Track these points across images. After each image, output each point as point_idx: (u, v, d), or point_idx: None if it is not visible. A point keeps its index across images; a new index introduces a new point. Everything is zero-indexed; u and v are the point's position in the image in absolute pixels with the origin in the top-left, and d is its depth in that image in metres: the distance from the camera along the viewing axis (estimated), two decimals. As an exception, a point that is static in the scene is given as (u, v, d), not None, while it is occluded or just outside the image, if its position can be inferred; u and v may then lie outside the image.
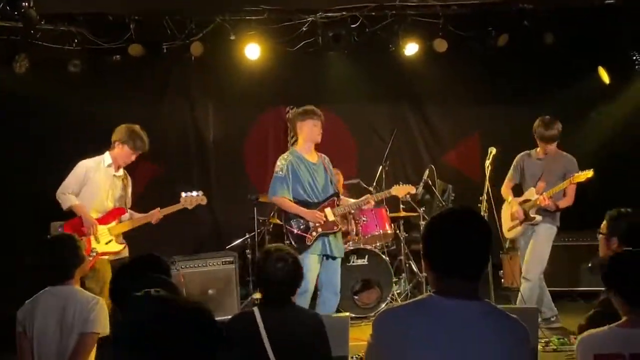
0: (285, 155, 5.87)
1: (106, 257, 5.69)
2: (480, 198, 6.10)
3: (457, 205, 2.48)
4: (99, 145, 6.03)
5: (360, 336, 5.42)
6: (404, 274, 7.53)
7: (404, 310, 2.22)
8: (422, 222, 7.42)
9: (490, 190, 6.10)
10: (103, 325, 3.57)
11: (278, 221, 6.79)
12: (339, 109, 8.61)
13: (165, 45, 7.21)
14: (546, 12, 7.25)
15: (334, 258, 5.81)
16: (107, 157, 5.85)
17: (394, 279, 7.17)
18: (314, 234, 5.67)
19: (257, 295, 6.80)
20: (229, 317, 3.58)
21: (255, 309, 3.36)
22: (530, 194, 6.22)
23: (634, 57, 7.48)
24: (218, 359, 1.65)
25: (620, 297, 2.85)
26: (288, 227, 5.76)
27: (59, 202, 5.71)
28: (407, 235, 7.72)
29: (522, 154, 6.45)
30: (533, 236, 6.24)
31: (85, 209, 5.69)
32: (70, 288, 3.66)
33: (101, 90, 7.37)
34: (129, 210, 5.99)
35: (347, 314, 5.70)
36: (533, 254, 6.19)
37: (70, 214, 5.79)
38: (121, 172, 5.95)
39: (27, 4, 6.03)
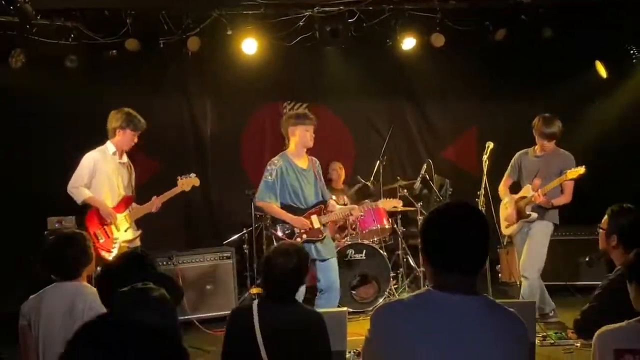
0: (276, 159, 5.82)
1: (127, 244, 5.77)
2: (478, 193, 6.09)
3: (455, 200, 2.47)
4: (96, 140, 6.02)
5: (358, 331, 5.42)
6: (401, 269, 7.53)
7: (402, 305, 2.21)
8: (420, 217, 7.43)
9: (487, 184, 6.10)
10: None
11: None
12: (336, 103, 8.62)
13: (162, 40, 7.18)
14: (544, 6, 7.24)
15: (326, 259, 5.80)
16: (110, 146, 5.86)
17: (392, 274, 7.18)
18: (299, 240, 5.65)
19: (255, 290, 6.80)
20: (227, 312, 3.59)
21: (254, 304, 3.35)
22: (526, 191, 6.21)
23: (632, 52, 7.48)
24: None
25: None
26: (273, 232, 5.78)
27: (72, 196, 5.69)
28: (404, 230, 7.73)
29: (520, 152, 6.44)
30: (529, 234, 6.22)
31: (100, 200, 5.70)
32: (77, 284, 3.64)
33: (98, 85, 7.35)
34: None
35: (345, 308, 5.71)
36: (530, 252, 6.16)
37: (71, 209, 5.78)
38: (125, 159, 5.97)
39: (23, -2, 6.02)
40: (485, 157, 6.10)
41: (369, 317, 2.27)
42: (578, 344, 5.42)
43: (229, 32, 7.16)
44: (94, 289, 3.64)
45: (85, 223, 5.65)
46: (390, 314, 2.21)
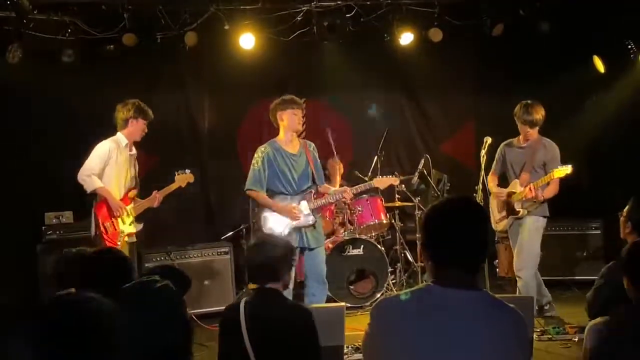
0: (262, 147, 5.83)
1: (128, 238, 5.81)
2: (476, 187, 6.09)
3: (456, 195, 2.45)
4: (93, 135, 6.01)
5: (355, 326, 5.43)
6: (399, 264, 7.54)
7: (403, 299, 2.20)
8: (418, 212, 7.44)
9: (485, 179, 6.10)
10: None
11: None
12: (334, 98, 8.60)
13: (159, 35, 7.15)
14: (541, 1, 7.23)
15: (313, 249, 5.77)
16: (122, 138, 5.86)
17: (390, 269, 7.19)
18: (288, 228, 5.66)
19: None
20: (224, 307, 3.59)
21: (242, 301, 3.35)
22: (514, 186, 6.15)
23: (629, 46, 7.47)
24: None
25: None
26: (259, 220, 5.79)
27: (82, 184, 5.66)
28: (402, 225, 7.74)
29: (503, 143, 6.36)
30: (521, 230, 6.13)
31: (110, 191, 5.69)
32: None
33: (95, 80, 7.32)
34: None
35: (343, 303, 5.70)
36: (522, 251, 6.08)
37: (69, 203, 5.75)
38: (134, 150, 5.98)
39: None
40: (483, 152, 6.07)
41: (366, 312, 2.28)
42: (576, 339, 5.44)
43: (227, 27, 7.15)
44: None
45: (95, 213, 5.64)
46: (390, 308, 2.21)
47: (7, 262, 6.58)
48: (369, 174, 7.71)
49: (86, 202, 5.92)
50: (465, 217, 2.21)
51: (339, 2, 7.16)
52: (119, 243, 5.66)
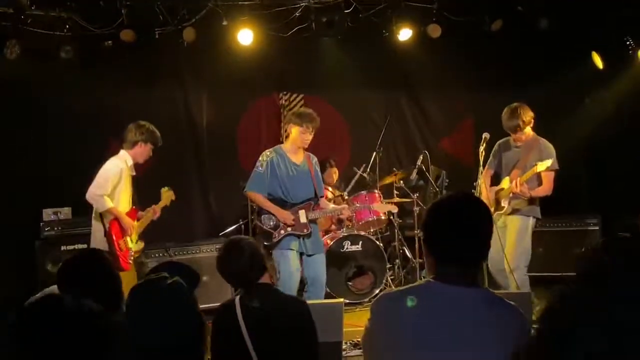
0: (268, 151, 5.87)
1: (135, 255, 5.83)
2: (474, 184, 6.09)
3: (458, 191, 2.45)
4: (91, 133, 6.00)
5: (354, 322, 5.44)
6: (397, 260, 7.55)
7: (402, 295, 2.21)
8: (416, 209, 7.44)
9: (484, 176, 6.09)
10: None
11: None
12: (332, 94, 8.58)
13: (157, 31, 7.13)
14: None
15: (310, 255, 5.81)
16: (128, 158, 5.83)
17: (388, 265, 7.19)
18: (282, 232, 5.69)
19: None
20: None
21: (237, 298, 3.34)
22: (505, 183, 6.08)
23: (628, 43, 7.47)
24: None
25: None
26: (257, 222, 5.83)
27: (92, 203, 5.60)
28: (401, 221, 7.74)
29: (500, 141, 6.29)
30: (507, 231, 6.01)
31: (121, 211, 5.68)
32: None
33: (93, 76, 7.31)
34: None
35: (341, 299, 5.70)
36: (516, 250, 5.95)
37: (67, 199, 5.72)
38: (134, 172, 5.97)
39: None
40: (481, 148, 6.05)
41: (365, 309, 2.28)
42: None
43: (225, 23, 7.13)
44: None
45: (111, 233, 5.59)
46: (390, 303, 2.22)
47: (6, 258, 6.58)
48: (368, 170, 7.70)
49: (85, 199, 5.91)
50: (466, 213, 2.21)
51: (337, -2, 7.15)
52: (130, 261, 5.66)
